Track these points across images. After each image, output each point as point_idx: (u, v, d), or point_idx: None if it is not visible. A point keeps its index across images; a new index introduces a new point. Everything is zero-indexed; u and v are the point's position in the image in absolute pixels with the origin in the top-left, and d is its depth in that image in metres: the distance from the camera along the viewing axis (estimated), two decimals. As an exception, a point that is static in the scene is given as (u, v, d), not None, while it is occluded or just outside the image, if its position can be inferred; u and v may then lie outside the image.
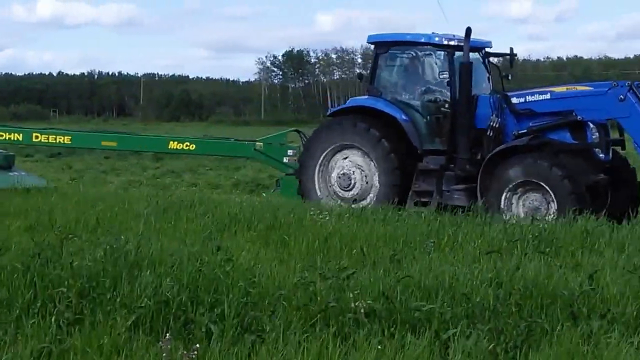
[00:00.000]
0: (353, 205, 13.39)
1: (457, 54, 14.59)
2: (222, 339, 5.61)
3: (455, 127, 14.47)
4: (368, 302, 6.09)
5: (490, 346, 5.43)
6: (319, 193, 15.16)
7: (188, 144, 17.38)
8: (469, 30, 14.28)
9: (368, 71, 15.95)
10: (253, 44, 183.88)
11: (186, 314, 6.01)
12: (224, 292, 6.32)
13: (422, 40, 15.05)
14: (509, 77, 15.85)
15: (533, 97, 14.35)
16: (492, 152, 13.81)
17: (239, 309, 6.07)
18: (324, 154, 15.18)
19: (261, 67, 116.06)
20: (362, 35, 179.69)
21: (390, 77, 15.74)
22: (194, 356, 5.19)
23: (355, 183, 14.95)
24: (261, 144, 16.88)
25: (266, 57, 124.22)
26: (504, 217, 12.82)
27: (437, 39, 14.85)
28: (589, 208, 12.67)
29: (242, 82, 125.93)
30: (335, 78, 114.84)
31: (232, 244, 8.95)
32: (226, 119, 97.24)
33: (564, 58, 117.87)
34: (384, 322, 5.94)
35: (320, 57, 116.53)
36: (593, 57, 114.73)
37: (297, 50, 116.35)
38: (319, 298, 6.22)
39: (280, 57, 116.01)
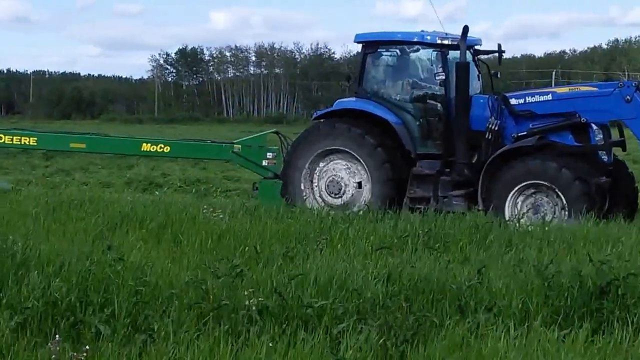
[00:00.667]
0: (346, 212, 12.62)
1: (451, 53, 14.26)
2: (113, 339, 5.53)
3: (452, 129, 14.03)
4: (260, 299, 6.09)
5: (381, 341, 5.50)
6: (305, 197, 14.50)
7: (162, 145, 16.15)
8: (466, 29, 13.85)
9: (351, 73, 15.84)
10: (146, 41, 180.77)
11: (75, 315, 5.91)
12: (114, 292, 6.23)
13: (415, 39, 14.54)
14: (498, 75, 15.54)
15: (533, 98, 13.95)
16: (495, 154, 13.38)
17: (130, 308, 5.99)
18: (311, 158, 14.51)
19: (154, 64, 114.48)
20: (256, 33, 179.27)
21: (379, 78, 15.15)
22: (83, 357, 5.10)
23: (345, 189, 14.39)
24: (239, 146, 15.93)
25: (159, 54, 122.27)
26: (508, 220, 12.50)
27: (429, 37, 14.41)
28: (598, 210, 12.58)
29: (135, 80, 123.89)
30: (229, 76, 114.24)
31: (123, 243, 8.81)
32: (119, 117, 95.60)
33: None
34: (276, 319, 5.96)
35: (215, 55, 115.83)
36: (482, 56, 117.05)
37: (191, 48, 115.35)
38: (211, 296, 6.20)
39: (173, 55, 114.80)
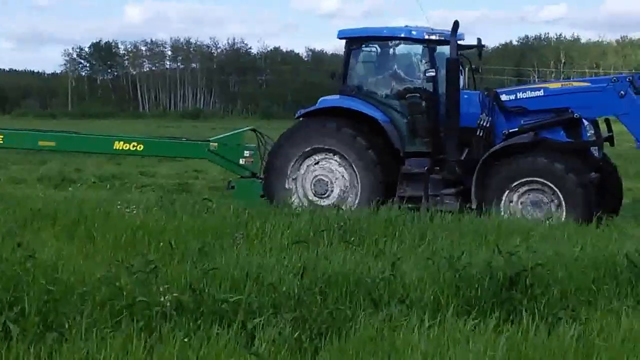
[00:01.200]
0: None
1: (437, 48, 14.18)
2: (23, 338, 5.43)
3: (441, 127, 13.86)
4: (175, 295, 6.06)
5: (295, 334, 5.54)
6: (290, 196, 14.16)
7: (135, 144, 15.60)
8: (456, 24, 13.65)
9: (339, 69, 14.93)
10: (59, 35, 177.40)
11: (-17, 314, 5.77)
12: (24, 290, 6.11)
13: (402, 34, 14.27)
14: (479, 70, 15.33)
15: (525, 94, 13.81)
16: (489, 152, 13.25)
17: (41, 307, 5.89)
18: (296, 157, 14.21)
19: (67, 59, 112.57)
20: (171, 27, 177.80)
21: (364, 74, 14.88)
22: (-9, 357, 5.00)
23: (332, 190, 14.12)
24: (216, 144, 15.46)
25: (72, 48, 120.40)
26: (503, 216, 12.48)
27: (414, 32, 14.20)
28: (594, 205, 12.63)
29: (48, 74, 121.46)
30: (145, 70, 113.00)
31: (34, 240, 8.63)
32: (31, 111, 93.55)
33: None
34: (191, 315, 5.94)
35: (129, 49, 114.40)
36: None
37: (105, 42, 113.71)
38: (124, 293, 6.13)
39: (87, 49, 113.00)
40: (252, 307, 6.08)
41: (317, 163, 14.23)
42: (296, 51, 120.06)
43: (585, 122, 13.54)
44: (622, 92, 13.12)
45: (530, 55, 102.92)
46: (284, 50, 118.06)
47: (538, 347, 5.42)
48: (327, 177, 14.15)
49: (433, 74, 13.85)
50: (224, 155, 15.37)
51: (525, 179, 13.08)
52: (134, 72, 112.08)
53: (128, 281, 6.31)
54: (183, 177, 23.43)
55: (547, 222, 11.92)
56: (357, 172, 13.89)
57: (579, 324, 6.06)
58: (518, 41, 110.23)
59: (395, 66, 14.64)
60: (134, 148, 15.69)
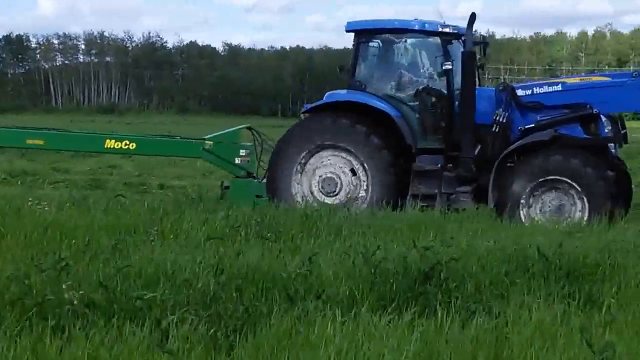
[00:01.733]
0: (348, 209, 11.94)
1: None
2: None
3: (454, 122, 13.49)
4: (83, 293, 5.94)
5: (210, 331, 5.48)
6: (295, 195, 13.69)
7: (127, 142, 14.72)
8: (473, 17, 13.35)
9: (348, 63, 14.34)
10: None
11: None
12: None
13: (416, 27, 13.79)
14: (483, 67, 14.67)
15: (542, 89, 13.50)
16: (510, 149, 12.93)
17: (-54, 307, 5.72)
18: (304, 154, 13.72)
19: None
20: (85, 21, 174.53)
21: (374, 68, 14.36)
22: None
23: (340, 188, 13.67)
24: (211, 142, 14.72)
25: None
26: (523, 217, 12.39)
27: (427, 25, 13.76)
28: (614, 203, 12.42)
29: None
30: (58, 64, 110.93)
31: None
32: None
33: (287, 48, 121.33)
34: (103, 313, 5.83)
35: (42, 43, 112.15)
36: (315, 47, 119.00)
37: (17, 35, 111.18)
38: (34, 291, 5.99)
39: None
40: (167, 305, 5.99)
41: (326, 160, 13.76)
42: (212, 45, 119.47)
43: (603, 118, 13.27)
44: None
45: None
46: (200, 44, 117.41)
47: (451, 341, 5.48)
48: (336, 175, 13.72)
49: (450, 66, 13.50)
50: (220, 154, 14.75)
51: (545, 178, 12.75)
52: (47, 66, 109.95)
53: (38, 279, 6.17)
54: (97, 173, 23.09)
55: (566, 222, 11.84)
56: (368, 171, 13.49)
57: (492, 317, 6.14)
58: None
59: (407, 60, 14.28)
60: (126, 147, 14.83)
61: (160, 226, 9.61)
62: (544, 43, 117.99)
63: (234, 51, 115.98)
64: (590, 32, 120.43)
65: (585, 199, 12.56)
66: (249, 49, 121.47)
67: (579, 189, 12.59)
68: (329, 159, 13.72)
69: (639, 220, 13.17)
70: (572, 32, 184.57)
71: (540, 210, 12.82)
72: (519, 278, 7.30)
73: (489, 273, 7.36)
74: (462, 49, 13.66)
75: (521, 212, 12.75)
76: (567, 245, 8.18)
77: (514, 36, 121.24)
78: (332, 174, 13.70)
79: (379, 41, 14.18)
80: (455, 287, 6.80)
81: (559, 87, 13.53)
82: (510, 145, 13.10)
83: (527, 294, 6.84)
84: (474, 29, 13.65)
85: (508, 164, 13.02)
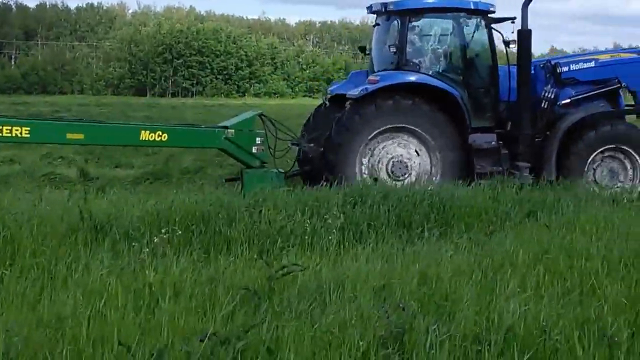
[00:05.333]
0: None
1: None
2: None
3: (514, 100, 13.83)
4: None
5: None
6: (360, 178, 13.06)
7: (160, 133, 12.97)
8: None
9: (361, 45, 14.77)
10: None
11: None
12: None
13: (471, 6, 13.89)
14: (510, 45, 14.15)
15: (577, 65, 14.21)
16: (572, 123, 13.67)
17: None
18: (367, 139, 13.23)
19: None
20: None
21: (424, 48, 14.12)
22: None
23: (410, 170, 13.41)
24: (232, 130, 13.21)
25: None
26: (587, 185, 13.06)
27: (480, 5, 13.90)
28: None
29: None
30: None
31: None
32: None
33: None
34: None
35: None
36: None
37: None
38: None
39: None
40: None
41: (391, 143, 13.48)
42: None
43: (621, 93, 14.48)
44: None
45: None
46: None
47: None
48: (405, 157, 13.49)
49: (515, 46, 13.79)
50: (240, 143, 13.30)
51: (606, 146, 13.70)
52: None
53: None
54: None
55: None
56: (437, 151, 13.43)
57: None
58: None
59: (457, 39, 14.14)
60: (159, 139, 13.08)
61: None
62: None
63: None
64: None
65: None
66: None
67: (635, 155, 13.87)
68: (396, 143, 13.52)
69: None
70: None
71: (600, 178, 13.78)
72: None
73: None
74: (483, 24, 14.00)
75: (584, 181, 13.41)
76: None
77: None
78: (401, 157, 13.52)
79: (429, 20, 14.21)
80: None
81: (592, 64, 14.36)
82: (555, 120, 13.88)
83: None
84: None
85: (568, 137, 13.68)
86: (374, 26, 14.95)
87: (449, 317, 5.62)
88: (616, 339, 5.06)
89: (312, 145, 13.79)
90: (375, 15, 14.82)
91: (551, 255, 7.50)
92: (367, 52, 14.98)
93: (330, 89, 15.02)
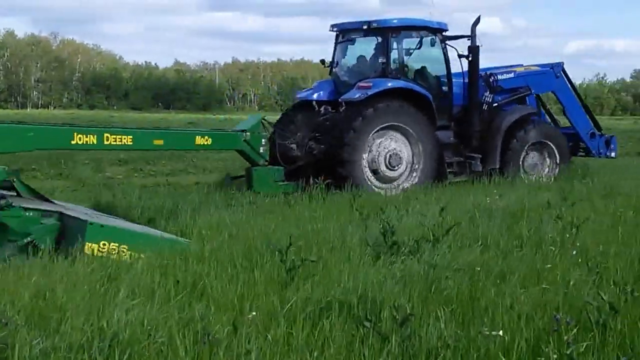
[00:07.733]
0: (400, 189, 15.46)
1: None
2: None
3: (465, 104, 17.01)
4: None
5: None
6: (365, 174, 15.60)
7: (207, 137, 13.79)
8: (478, 18, 16.90)
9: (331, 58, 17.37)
10: None
11: None
12: None
13: (435, 26, 16.80)
14: (469, 58, 17.04)
15: (502, 76, 17.84)
16: (511, 121, 17.21)
17: None
18: (368, 137, 15.57)
19: None
20: None
21: (403, 60, 16.79)
22: None
23: (402, 162, 15.97)
24: (249, 133, 14.45)
25: None
26: (522, 175, 16.82)
27: (438, 24, 16.88)
28: None
29: None
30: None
31: None
32: None
33: None
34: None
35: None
36: None
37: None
38: None
39: None
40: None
41: (386, 140, 15.89)
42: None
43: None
44: (557, 74, 18.67)
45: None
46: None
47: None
48: (398, 150, 15.97)
49: (470, 59, 16.94)
50: (253, 144, 14.67)
51: (537, 141, 17.48)
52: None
53: None
54: None
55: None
56: (419, 143, 16.10)
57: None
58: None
59: (423, 52, 16.69)
60: (206, 143, 13.86)
61: None
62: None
63: None
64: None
65: (558, 157, 17.72)
66: None
67: (555, 148, 17.73)
68: (388, 138, 15.99)
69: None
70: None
71: (528, 169, 17.49)
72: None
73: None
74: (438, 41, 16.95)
75: (520, 170, 17.12)
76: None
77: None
78: (395, 150, 15.99)
79: (407, 36, 16.79)
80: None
81: (512, 75, 18.19)
82: (493, 120, 17.35)
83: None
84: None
85: (511, 133, 17.19)
86: (338, 43, 17.42)
87: (57, 329, 5.60)
88: (217, 336, 5.33)
89: (292, 143, 16.17)
90: (337, 34, 17.37)
91: (169, 261, 7.79)
92: (328, 64, 17.50)
93: (299, 95, 17.39)
